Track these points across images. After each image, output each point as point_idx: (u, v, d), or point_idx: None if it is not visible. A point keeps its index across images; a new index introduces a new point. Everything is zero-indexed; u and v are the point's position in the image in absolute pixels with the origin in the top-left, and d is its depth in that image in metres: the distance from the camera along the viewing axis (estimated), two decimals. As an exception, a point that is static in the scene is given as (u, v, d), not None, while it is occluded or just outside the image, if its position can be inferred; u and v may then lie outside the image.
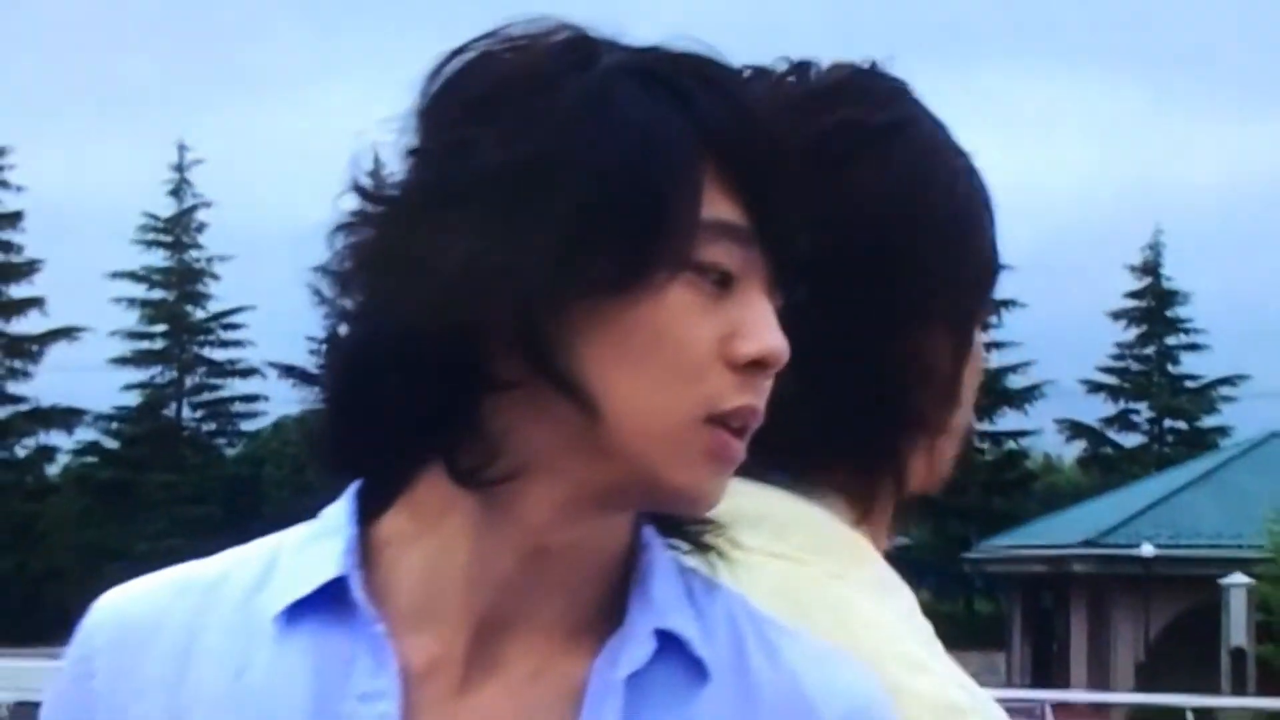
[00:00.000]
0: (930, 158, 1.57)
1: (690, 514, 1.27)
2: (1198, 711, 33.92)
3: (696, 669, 1.28)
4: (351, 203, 1.30)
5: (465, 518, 1.27)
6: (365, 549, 1.30)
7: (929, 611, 1.55)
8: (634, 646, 1.26)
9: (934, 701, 1.40)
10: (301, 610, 1.29)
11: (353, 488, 1.33)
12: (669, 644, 1.27)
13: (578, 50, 1.26)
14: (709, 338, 1.22)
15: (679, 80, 1.25)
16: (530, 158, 1.22)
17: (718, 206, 1.23)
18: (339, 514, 1.32)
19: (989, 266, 1.61)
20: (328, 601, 1.28)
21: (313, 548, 1.31)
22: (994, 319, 1.67)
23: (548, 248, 1.20)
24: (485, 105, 1.25)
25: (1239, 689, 37.54)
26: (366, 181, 1.30)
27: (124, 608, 1.35)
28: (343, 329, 1.31)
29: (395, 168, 1.29)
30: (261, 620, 1.30)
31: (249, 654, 1.29)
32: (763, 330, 1.23)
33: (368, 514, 1.31)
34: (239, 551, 1.36)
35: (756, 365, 1.23)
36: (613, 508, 1.26)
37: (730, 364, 1.23)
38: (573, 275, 1.20)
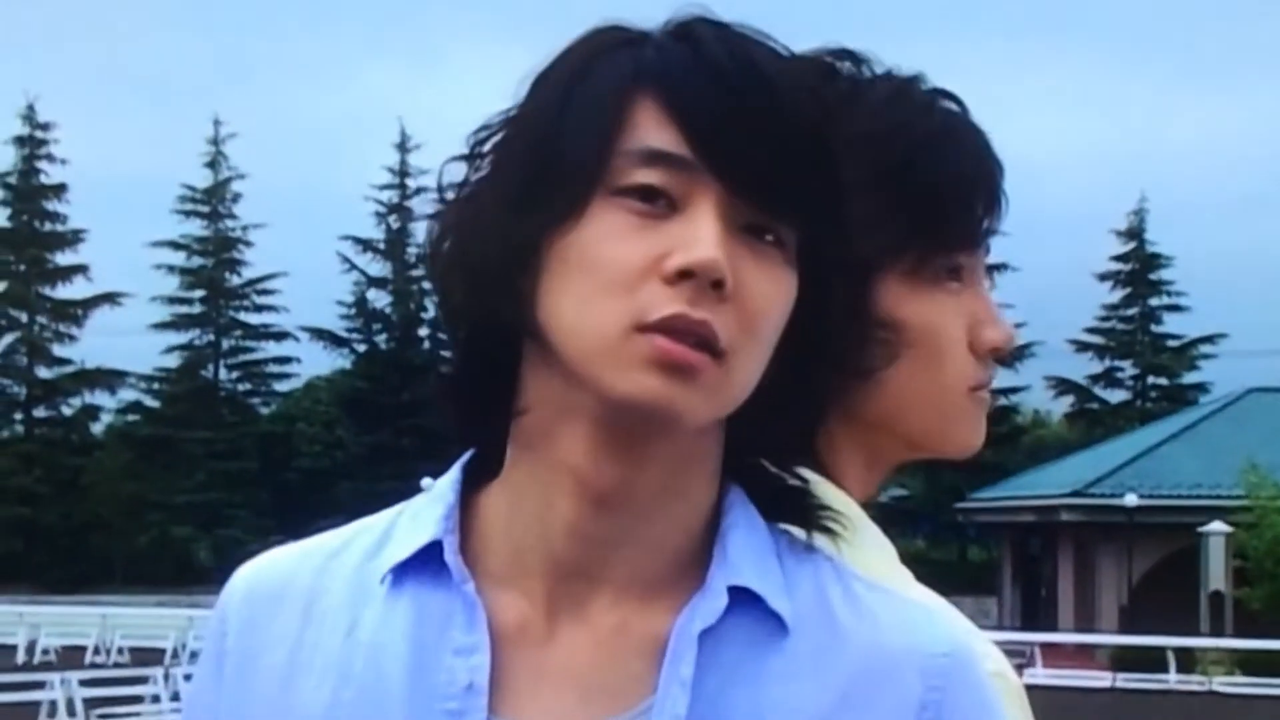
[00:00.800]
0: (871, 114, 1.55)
1: (663, 425, 1.23)
2: (1178, 651, 33.99)
3: (776, 623, 1.27)
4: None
5: (528, 470, 1.29)
6: (471, 514, 1.33)
7: (924, 559, 1.56)
8: (709, 603, 1.27)
9: None
10: (405, 572, 1.31)
11: (463, 458, 1.35)
12: (747, 599, 1.27)
13: (605, 36, 1.29)
14: (641, 256, 1.21)
15: (650, 35, 1.27)
16: (516, 121, 1.28)
17: (650, 135, 1.23)
18: (446, 484, 1.34)
19: (911, 222, 1.55)
20: (429, 563, 1.30)
21: (423, 514, 1.33)
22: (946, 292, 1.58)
23: (506, 195, 1.26)
24: (528, 89, 1.29)
25: (1217, 630, 37.62)
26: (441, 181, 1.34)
27: (257, 573, 1.38)
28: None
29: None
30: (373, 582, 1.33)
31: (360, 613, 1.32)
32: (692, 244, 1.20)
33: (478, 482, 1.34)
34: (367, 520, 1.39)
35: (686, 276, 1.20)
36: (631, 436, 1.25)
37: (664, 279, 1.20)
38: (521, 216, 1.24)
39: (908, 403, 1.58)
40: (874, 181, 1.53)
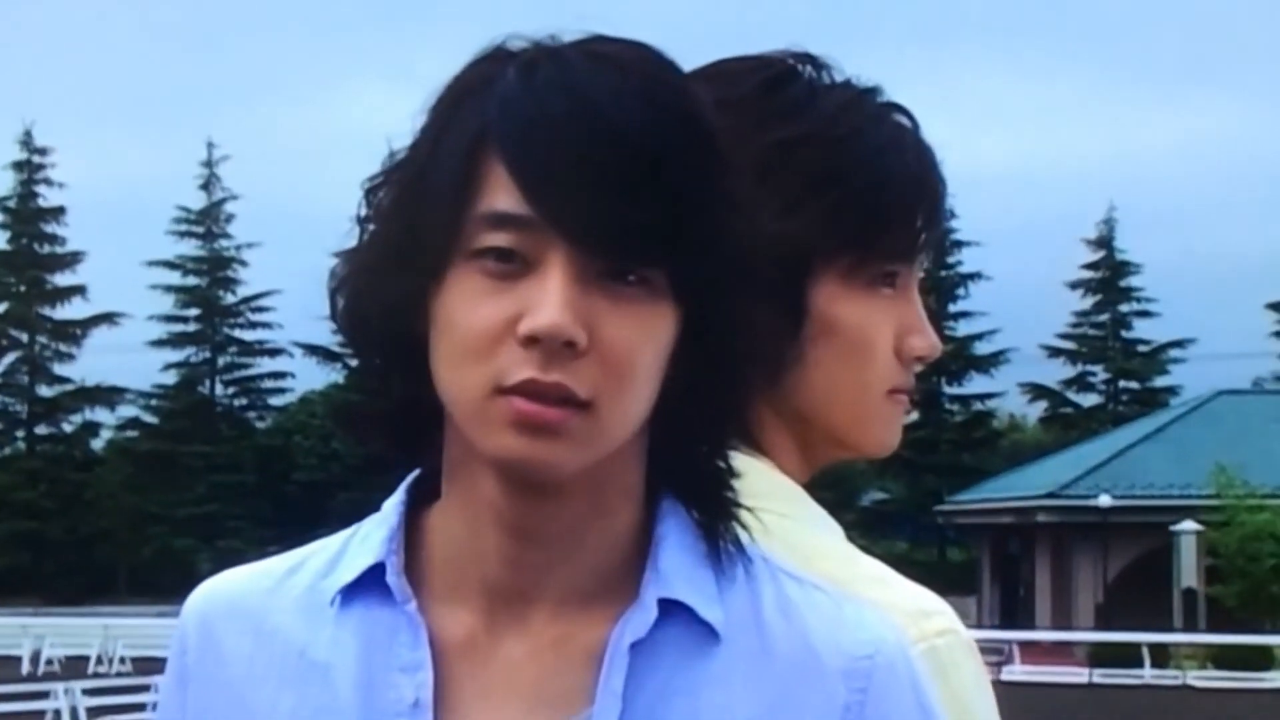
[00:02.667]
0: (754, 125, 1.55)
1: (536, 480, 1.23)
2: (1153, 647, 34.04)
3: (708, 631, 1.27)
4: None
5: (458, 501, 1.30)
6: (417, 533, 1.33)
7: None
8: (639, 616, 1.27)
9: (904, 608, 1.42)
10: (354, 593, 1.32)
11: (408, 479, 1.35)
12: (679, 610, 1.27)
13: (489, 60, 1.27)
14: (496, 318, 1.20)
15: (502, 74, 1.25)
16: (392, 173, 1.28)
17: (495, 198, 1.21)
18: (391, 506, 1.35)
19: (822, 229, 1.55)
20: (376, 584, 1.31)
21: (372, 536, 1.33)
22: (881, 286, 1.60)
23: (382, 253, 1.27)
24: (416, 131, 1.29)
25: (1190, 626, 37.67)
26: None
27: (211, 594, 1.38)
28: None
29: None
30: (324, 603, 1.33)
31: (312, 634, 1.32)
32: (540, 308, 1.19)
33: (421, 503, 1.34)
34: (323, 540, 1.39)
35: (535, 341, 1.20)
36: (514, 482, 1.25)
37: (519, 341, 1.20)
38: (394, 275, 1.25)
39: (830, 397, 1.60)
40: (820, 183, 1.55)
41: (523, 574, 1.28)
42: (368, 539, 1.33)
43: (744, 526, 1.33)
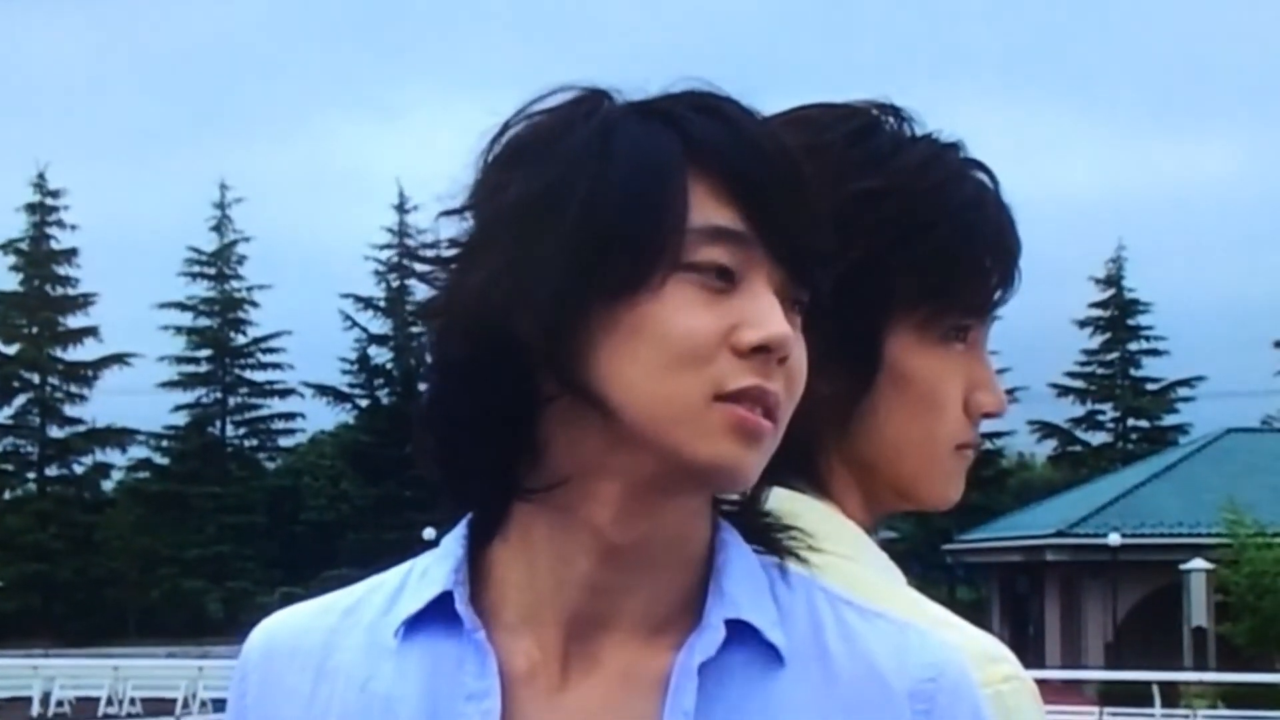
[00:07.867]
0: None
1: (729, 488, 1.28)
2: (1163, 685, 33.90)
3: (773, 654, 1.29)
4: (410, 263, 1.35)
5: (544, 530, 1.30)
6: (479, 569, 1.34)
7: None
8: (707, 637, 1.28)
9: (969, 652, 1.42)
10: (418, 625, 1.32)
11: (467, 517, 1.36)
12: (744, 633, 1.29)
13: (588, 102, 1.30)
14: (712, 328, 1.24)
15: (673, 109, 1.29)
16: (543, 190, 1.26)
17: (710, 213, 1.25)
18: (453, 540, 1.35)
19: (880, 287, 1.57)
20: (441, 616, 1.31)
21: (432, 570, 1.34)
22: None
23: (554, 265, 1.25)
24: (515, 156, 1.30)
25: (1200, 664, 37.52)
26: (417, 242, 1.34)
27: (272, 631, 1.39)
28: (425, 381, 1.36)
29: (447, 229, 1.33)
30: (386, 637, 1.34)
31: (375, 666, 1.33)
32: (764, 319, 1.24)
33: (482, 538, 1.34)
34: (381, 577, 1.40)
35: (761, 351, 1.24)
36: (667, 495, 1.27)
37: (736, 351, 1.24)
38: (577, 286, 1.24)
39: (898, 448, 1.61)
40: (902, 234, 1.57)
41: (605, 599, 1.29)
42: (428, 574, 1.34)
43: (799, 556, 1.35)
